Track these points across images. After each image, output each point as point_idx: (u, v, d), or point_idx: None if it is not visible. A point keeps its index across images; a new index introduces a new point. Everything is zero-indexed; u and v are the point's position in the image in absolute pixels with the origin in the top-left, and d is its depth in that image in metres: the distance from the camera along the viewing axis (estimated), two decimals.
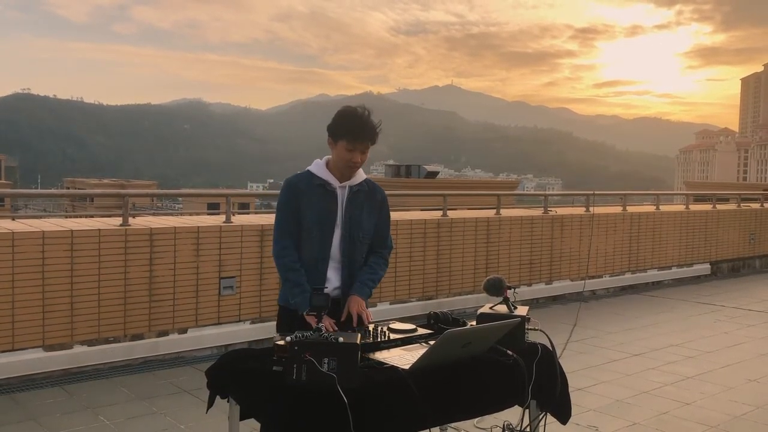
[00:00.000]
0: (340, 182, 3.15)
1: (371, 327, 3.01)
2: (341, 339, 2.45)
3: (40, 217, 9.49)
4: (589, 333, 7.16)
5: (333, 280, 3.16)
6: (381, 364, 2.63)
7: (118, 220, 5.82)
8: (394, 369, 2.59)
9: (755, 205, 13.24)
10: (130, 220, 5.89)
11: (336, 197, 3.15)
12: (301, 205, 3.13)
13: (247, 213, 17.60)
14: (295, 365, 2.40)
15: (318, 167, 3.17)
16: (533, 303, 8.59)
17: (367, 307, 3.15)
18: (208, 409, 2.82)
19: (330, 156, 3.17)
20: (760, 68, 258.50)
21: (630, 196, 11.63)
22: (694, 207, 11.97)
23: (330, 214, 3.14)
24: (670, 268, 10.90)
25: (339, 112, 3.12)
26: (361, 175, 3.22)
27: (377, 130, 3.10)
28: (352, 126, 3.05)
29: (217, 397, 2.80)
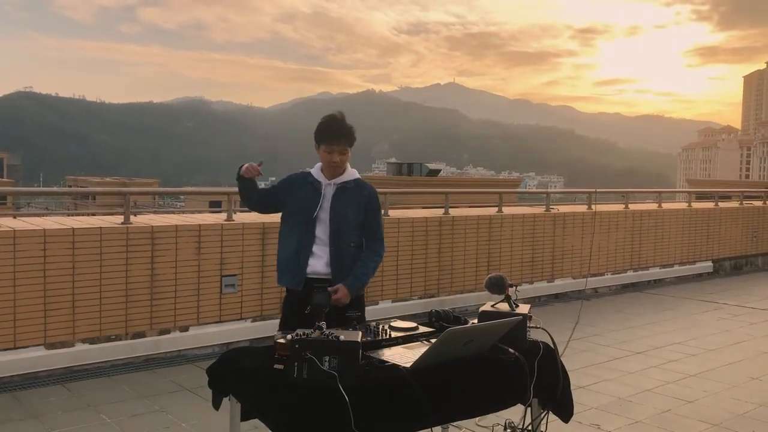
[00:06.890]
0: (328, 180, 3.52)
1: (372, 324, 3.02)
2: (342, 337, 2.44)
3: (42, 215, 9.48)
4: (591, 331, 7.15)
5: (322, 267, 3.48)
6: (382, 362, 2.63)
7: (120, 218, 5.81)
8: (395, 367, 2.58)
9: (758, 203, 13.21)
10: (132, 218, 5.89)
11: (320, 193, 3.50)
12: (287, 197, 3.56)
13: (249, 211, 17.52)
14: (296, 363, 2.40)
15: (315, 169, 3.58)
16: (535, 301, 8.58)
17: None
18: (218, 408, 2.83)
19: None
20: (761, 66, 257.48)
21: (632, 193, 11.60)
22: (696, 205, 11.94)
23: (310, 207, 3.48)
24: (672, 265, 10.88)
25: (320, 121, 3.53)
26: (350, 174, 3.58)
27: (351, 132, 3.50)
28: (327, 131, 3.47)
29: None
